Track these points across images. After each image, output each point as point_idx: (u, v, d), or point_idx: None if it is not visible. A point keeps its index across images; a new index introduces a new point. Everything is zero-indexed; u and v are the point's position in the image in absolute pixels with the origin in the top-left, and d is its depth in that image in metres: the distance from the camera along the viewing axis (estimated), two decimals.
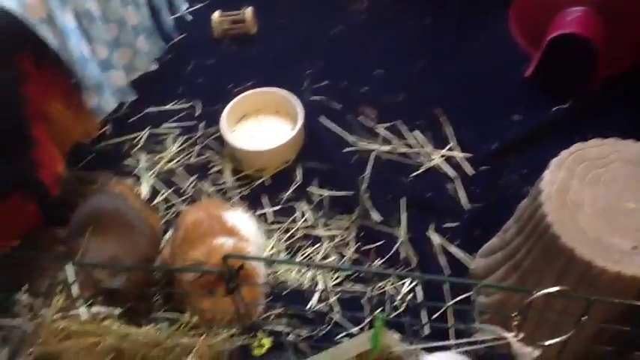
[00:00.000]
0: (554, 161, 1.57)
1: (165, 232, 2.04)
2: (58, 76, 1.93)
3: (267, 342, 1.31)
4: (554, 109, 2.25)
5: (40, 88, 1.84)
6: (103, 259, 1.65)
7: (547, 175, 1.54)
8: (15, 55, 1.74)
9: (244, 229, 1.75)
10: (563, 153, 1.59)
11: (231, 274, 1.14)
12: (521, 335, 1.16)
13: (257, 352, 1.31)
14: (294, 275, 1.90)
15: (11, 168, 1.74)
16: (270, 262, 1.38)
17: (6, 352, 1.35)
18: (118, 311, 1.38)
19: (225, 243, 1.61)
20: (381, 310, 1.79)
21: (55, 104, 1.91)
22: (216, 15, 2.65)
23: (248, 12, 2.64)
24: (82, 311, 1.37)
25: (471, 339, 1.22)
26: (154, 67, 2.43)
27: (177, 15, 2.68)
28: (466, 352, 1.32)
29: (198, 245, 1.64)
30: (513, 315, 1.14)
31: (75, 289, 1.38)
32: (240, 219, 1.80)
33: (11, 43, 1.73)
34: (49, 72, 1.88)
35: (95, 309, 1.38)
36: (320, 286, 1.87)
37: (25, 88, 1.78)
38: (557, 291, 0.96)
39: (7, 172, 1.73)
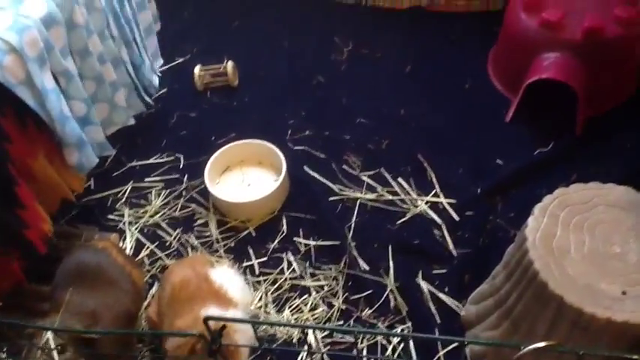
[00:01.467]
0: (537, 207, 1.58)
1: (151, 286, 2.01)
2: (41, 135, 1.92)
3: None
4: (537, 151, 2.27)
5: (23, 148, 1.83)
6: (84, 313, 1.62)
7: (531, 221, 1.54)
8: None
9: (231, 289, 1.74)
10: (546, 198, 1.59)
11: (213, 336, 1.11)
12: None
13: None
14: (282, 328, 1.86)
15: None
16: (252, 323, 1.35)
17: None
18: None
19: (211, 314, 1.58)
20: None
21: (40, 162, 1.89)
22: (197, 69, 2.67)
23: (229, 65, 2.66)
24: None
25: None
26: (132, 121, 2.43)
27: (158, 70, 2.69)
28: None
29: (186, 312, 1.63)
30: None
31: (56, 357, 1.34)
32: (227, 277, 1.78)
33: None
34: (30, 131, 1.88)
35: None
36: (310, 338, 1.83)
37: (9, 148, 1.77)
38: (546, 345, 0.94)
39: None
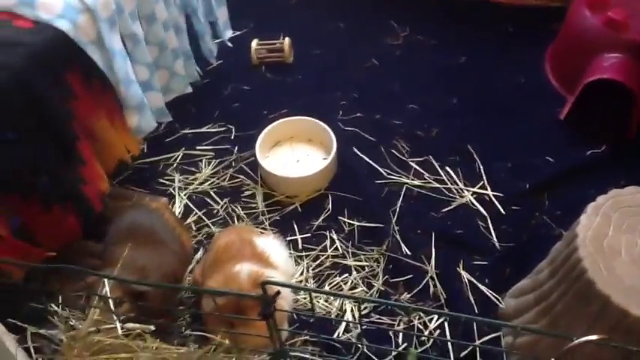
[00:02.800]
0: (590, 206, 1.57)
1: (196, 251, 2.07)
2: (104, 94, 1.97)
3: None
4: (589, 152, 2.25)
5: (87, 105, 1.89)
6: (135, 268, 1.68)
7: (583, 219, 1.54)
8: (65, 74, 1.79)
9: (274, 256, 1.77)
10: (600, 198, 1.59)
11: (268, 300, 1.15)
12: None
13: None
14: (322, 303, 1.90)
15: (59, 182, 1.78)
16: (304, 290, 1.39)
17: None
18: (152, 328, 1.39)
19: (242, 270, 1.63)
20: (409, 345, 1.78)
21: (101, 122, 1.95)
22: (254, 43, 2.71)
23: (285, 42, 2.69)
24: (117, 326, 1.38)
25: None
26: (189, 90, 2.48)
27: (219, 41, 2.74)
28: None
29: (224, 269, 1.66)
30: None
31: (112, 304, 1.40)
32: (271, 245, 1.82)
33: (62, 62, 1.78)
34: (96, 90, 1.94)
35: (130, 325, 1.40)
36: (348, 316, 1.87)
37: (75, 105, 1.83)
38: (600, 339, 0.95)
39: (56, 185, 1.77)
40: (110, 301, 1.43)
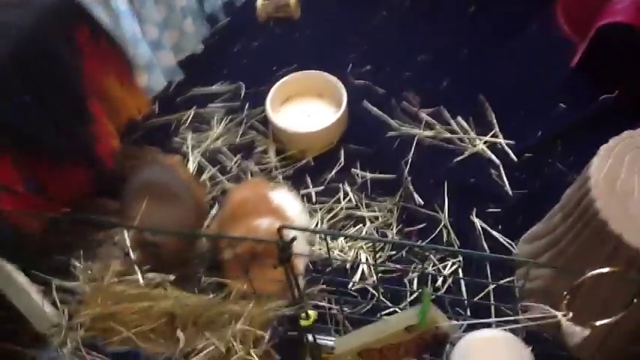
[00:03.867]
0: (603, 148, 1.57)
1: (211, 207, 2.10)
2: (112, 54, 1.97)
3: (312, 314, 1.34)
4: (602, 98, 2.23)
5: (96, 64, 1.89)
6: (152, 223, 1.71)
7: (595, 161, 1.54)
8: (73, 33, 1.80)
9: (289, 209, 1.80)
10: (612, 140, 1.58)
11: (285, 244, 1.17)
12: (571, 314, 1.17)
13: (304, 323, 1.35)
14: (337, 253, 1.93)
15: (70, 140, 1.80)
16: (321, 233, 1.41)
17: (66, 313, 1.41)
18: (171, 278, 1.43)
19: (262, 224, 1.65)
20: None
21: (110, 80, 1.96)
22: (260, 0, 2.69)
23: None
24: (138, 276, 1.42)
25: (519, 316, 1.24)
26: (201, 48, 2.48)
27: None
28: (512, 332, 1.34)
29: (242, 224, 1.69)
30: (565, 294, 1.15)
31: (132, 255, 1.43)
32: (285, 199, 1.84)
33: (70, 21, 1.78)
34: (104, 49, 1.93)
35: (150, 275, 1.44)
36: (363, 266, 1.89)
37: (83, 63, 1.84)
38: (609, 272, 0.97)
39: (67, 144, 1.79)
40: (131, 251, 1.46)
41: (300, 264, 1.61)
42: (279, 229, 1.15)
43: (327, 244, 1.33)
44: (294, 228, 1.16)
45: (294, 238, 1.20)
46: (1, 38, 1.62)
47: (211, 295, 1.44)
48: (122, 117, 2.06)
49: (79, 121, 1.85)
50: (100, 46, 1.91)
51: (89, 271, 1.47)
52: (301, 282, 1.65)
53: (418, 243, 1.92)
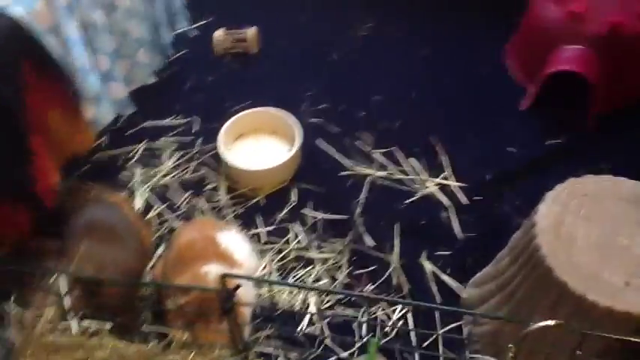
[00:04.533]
0: (549, 194, 1.59)
1: (157, 247, 2.04)
2: (57, 86, 1.93)
3: None
4: (549, 142, 2.28)
5: (39, 97, 1.84)
6: (93, 264, 1.64)
7: (542, 207, 1.56)
8: (18, 64, 1.75)
9: (237, 252, 1.75)
10: (558, 187, 1.61)
11: (228, 293, 1.14)
12: None
13: None
14: (285, 297, 1.89)
15: (7, 179, 1.73)
16: (265, 282, 1.37)
17: None
18: (108, 325, 1.36)
19: (211, 271, 1.61)
20: (372, 336, 1.78)
21: (54, 114, 1.90)
22: (219, 33, 2.67)
23: (251, 31, 2.66)
24: (73, 324, 1.35)
25: None
26: (153, 79, 2.44)
27: (180, 31, 2.69)
28: None
29: (188, 270, 1.64)
30: (509, 346, 1.14)
31: (67, 302, 1.37)
32: (234, 240, 1.80)
33: (15, 51, 1.73)
34: (49, 81, 1.89)
35: (86, 322, 1.37)
36: (311, 309, 1.86)
37: (25, 97, 1.78)
38: (554, 324, 0.96)
39: (4, 183, 1.72)
40: (66, 298, 1.39)
41: (245, 312, 1.56)
42: (222, 278, 1.11)
43: (272, 293, 1.29)
44: (237, 277, 1.12)
45: (236, 287, 1.16)
46: None
47: (151, 344, 1.38)
48: (65, 152, 2.00)
49: (18, 158, 1.78)
50: (46, 77, 1.87)
51: (21, 319, 1.39)
52: (247, 330, 1.60)
53: (366, 290, 1.90)
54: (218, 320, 1.20)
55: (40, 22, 1.76)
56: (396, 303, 1.88)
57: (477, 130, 2.36)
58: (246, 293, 1.56)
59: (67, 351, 1.34)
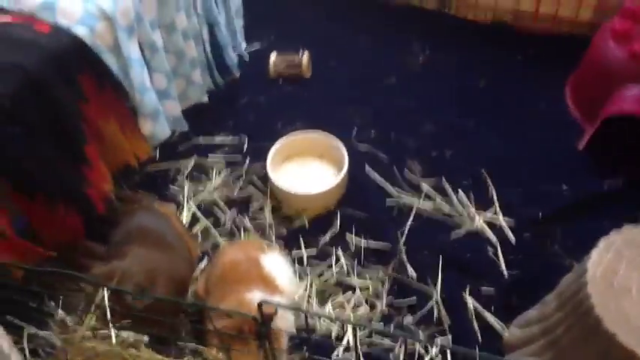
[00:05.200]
0: (602, 241, 1.53)
1: (200, 260, 2.06)
2: (115, 100, 1.99)
3: None
4: (605, 184, 2.20)
5: (98, 109, 1.91)
6: (144, 268, 1.67)
7: (594, 254, 1.50)
8: (78, 77, 1.82)
9: (279, 277, 1.76)
10: (613, 234, 1.55)
11: (264, 320, 1.13)
12: None
13: None
14: (322, 322, 1.87)
15: (63, 182, 1.79)
16: (302, 312, 1.37)
17: None
18: (146, 338, 1.38)
19: (254, 299, 1.61)
20: None
21: (111, 126, 1.96)
22: (273, 56, 2.71)
23: (304, 57, 2.69)
24: (113, 333, 1.37)
25: None
26: (206, 99, 2.49)
27: (237, 53, 2.74)
28: None
29: (233, 293, 1.66)
30: None
31: (108, 314, 1.39)
32: (277, 264, 1.81)
33: (76, 66, 1.80)
34: (107, 95, 1.95)
35: (125, 333, 1.39)
36: (349, 336, 1.84)
37: (85, 108, 1.85)
38: None
39: (60, 185, 1.78)
40: (107, 309, 1.41)
41: (282, 338, 1.56)
42: (259, 305, 1.11)
43: (307, 322, 1.28)
44: (276, 305, 1.12)
45: (272, 314, 1.16)
46: (5, 77, 1.63)
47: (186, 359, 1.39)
48: (118, 162, 2.06)
49: (74, 163, 1.85)
50: (104, 91, 1.93)
51: (64, 322, 1.42)
52: (284, 357, 1.60)
53: (406, 322, 1.87)
54: (255, 345, 1.20)
55: (100, 42, 1.82)
56: (436, 331, 1.86)
57: (531, 166, 2.30)
58: (284, 320, 1.56)
59: (105, 358, 1.36)
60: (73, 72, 1.77)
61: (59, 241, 1.86)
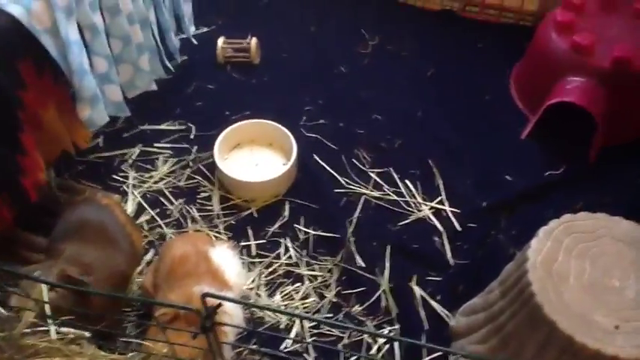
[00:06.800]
0: (542, 230, 1.57)
1: (146, 252, 2.02)
2: (55, 86, 1.91)
3: None
4: (547, 173, 2.26)
5: (37, 96, 1.83)
6: (81, 263, 1.62)
7: (534, 243, 1.54)
8: (15, 62, 1.73)
9: (228, 271, 1.75)
10: (552, 222, 1.59)
11: (208, 312, 1.11)
12: None
13: None
14: (271, 313, 1.87)
15: None
16: (247, 305, 1.36)
17: None
18: (88, 334, 1.34)
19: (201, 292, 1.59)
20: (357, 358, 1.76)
21: (49, 113, 1.89)
22: (220, 41, 2.66)
23: (253, 42, 2.64)
24: (52, 329, 1.32)
25: None
26: (154, 87, 2.42)
27: (183, 37, 2.67)
28: None
29: (181, 286, 1.64)
30: None
31: (47, 308, 1.34)
32: (226, 258, 1.79)
33: (13, 49, 1.72)
34: (48, 81, 1.87)
35: (65, 329, 1.34)
36: (297, 327, 1.84)
37: (23, 95, 1.76)
38: None
39: None
40: (46, 305, 1.36)
41: (228, 331, 1.54)
42: (203, 297, 1.09)
43: (252, 315, 1.27)
44: (217, 297, 1.10)
45: (218, 306, 1.14)
46: None
47: (129, 355, 1.36)
48: (55, 149, 1.98)
49: (7, 151, 1.76)
50: (43, 76, 1.85)
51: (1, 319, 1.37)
52: (228, 350, 1.58)
53: (354, 311, 1.89)
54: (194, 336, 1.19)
55: (37, 23, 1.74)
56: (383, 320, 1.88)
57: (476, 156, 2.34)
58: (232, 313, 1.54)
59: (46, 355, 1.31)
60: (9, 56, 1.69)
61: None
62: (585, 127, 2.25)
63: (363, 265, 2.00)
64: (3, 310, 1.41)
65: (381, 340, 1.82)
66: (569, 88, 2.23)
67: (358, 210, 2.15)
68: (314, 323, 1.86)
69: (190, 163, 2.29)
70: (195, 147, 2.34)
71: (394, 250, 2.04)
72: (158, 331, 1.44)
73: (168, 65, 2.51)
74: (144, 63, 2.30)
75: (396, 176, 2.26)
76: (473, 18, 2.87)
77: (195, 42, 2.70)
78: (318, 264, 2.02)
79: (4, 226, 1.86)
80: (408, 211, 2.16)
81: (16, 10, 1.69)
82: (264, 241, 2.08)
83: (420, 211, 2.16)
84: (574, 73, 2.24)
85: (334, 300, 1.93)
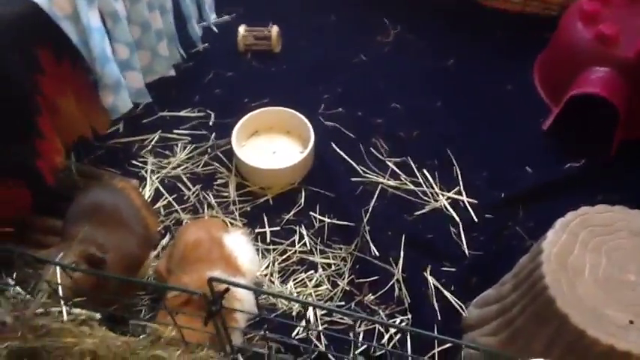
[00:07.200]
0: (558, 222, 1.54)
1: (163, 236, 2.04)
2: (76, 72, 1.93)
3: None
4: (567, 165, 2.22)
5: (55, 82, 1.85)
6: (95, 243, 1.64)
7: (550, 235, 1.52)
8: (35, 47, 1.75)
9: (241, 257, 1.75)
10: (569, 215, 1.56)
11: (214, 297, 1.12)
12: None
13: None
14: (283, 300, 1.87)
15: (13, 154, 1.74)
16: (255, 291, 1.36)
17: None
18: (98, 316, 1.36)
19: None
20: (367, 348, 1.76)
21: (68, 98, 1.91)
22: (241, 29, 2.66)
23: (274, 30, 2.64)
24: (64, 311, 1.35)
25: None
26: (172, 72, 2.43)
27: (204, 24, 2.68)
28: None
29: (193, 271, 1.65)
30: None
31: (60, 291, 1.36)
32: (239, 244, 1.79)
33: (33, 35, 1.74)
34: (66, 68, 1.89)
35: (77, 310, 1.36)
36: (309, 314, 1.84)
37: (40, 80, 1.79)
38: None
39: (9, 157, 1.73)
40: (60, 287, 1.39)
41: (238, 316, 1.55)
42: (209, 282, 1.10)
43: (258, 301, 1.27)
44: (224, 282, 1.10)
45: (226, 290, 1.15)
46: None
47: (140, 338, 1.37)
48: (73, 135, 2.00)
49: (25, 135, 1.79)
50: (61, 64, 1.87)
51: (16, 299, 1.39)
52: (237, 336, 1.59)
53: (367, 300, 1.88)
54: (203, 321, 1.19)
55: (58, 9, 1.75)
56: (395, 309, 1.87)
57: (496, 146, 2.31)
58: (243, 299, 1.55)
59: (57, 336, 1.34)
60: (29, 42, 1.71)
61: (7, 214, 1.81)
62: (607, 120, 2.20)
63: (377, 254, 2.00)
64: (22, 291, 1.45)
65: (393, 330, 1.81)
66: (593, 79, 2.18)
67: (374, 199, 2.14)
68: (326, 311, 1.86)
69: (208, 150, 2.31)
70: (214, 134, 2.35)
71: (409, 240, 2.03)
72: (166, 314, 1.46)
73: (182, 52, 2.52)
74: (162, 49, 2.31)
75: (413, 166, 2.24)
76: (496, 8, 2.82)
77: (215, 30, 2.70)
78: (332, 252, 2.02)
79: (24, 210, 1.89)
80: (425, 201, 2.15)
81: None
82: (278, 228, 2.08)
83: (436, 201, 2.14)
84: (598, 63, 2.19)
85: (347, 288, 1.93)
